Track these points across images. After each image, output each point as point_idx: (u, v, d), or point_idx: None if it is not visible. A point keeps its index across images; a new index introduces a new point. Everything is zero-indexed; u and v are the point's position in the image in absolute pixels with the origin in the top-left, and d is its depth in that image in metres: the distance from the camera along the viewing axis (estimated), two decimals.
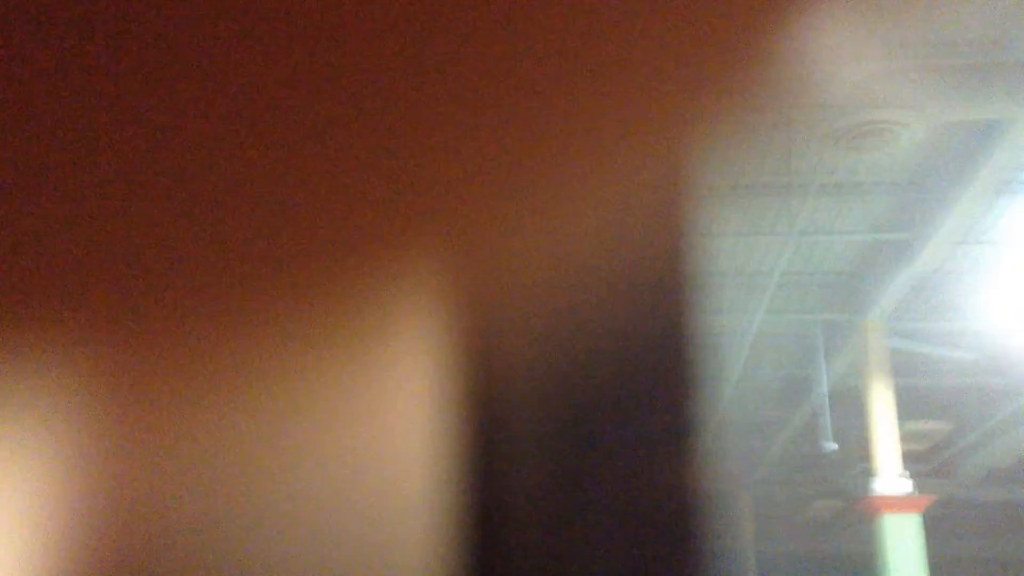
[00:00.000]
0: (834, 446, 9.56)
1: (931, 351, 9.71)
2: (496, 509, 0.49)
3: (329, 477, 0.51)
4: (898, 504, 8.49)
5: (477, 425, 0.50)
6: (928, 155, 6.78)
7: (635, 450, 0.52)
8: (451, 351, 0.50)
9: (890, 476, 8.61)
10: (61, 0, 0.44)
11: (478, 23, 0.46)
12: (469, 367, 0.51)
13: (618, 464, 0.51)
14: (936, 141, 6.67)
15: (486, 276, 0.51)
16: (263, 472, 0.52)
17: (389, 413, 0.50)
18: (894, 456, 8.74)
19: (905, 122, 6.03)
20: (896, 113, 6.03)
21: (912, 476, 8.76)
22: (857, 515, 9.36)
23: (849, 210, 7.54)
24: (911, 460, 9.96)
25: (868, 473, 8.95)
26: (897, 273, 8.09)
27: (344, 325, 0.50)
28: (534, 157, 0.49)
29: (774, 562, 18.07)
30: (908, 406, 9.93)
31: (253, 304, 0.50)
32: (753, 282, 8.52)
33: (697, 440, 0.49)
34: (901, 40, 5.94)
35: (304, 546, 0.50)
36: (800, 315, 9.17)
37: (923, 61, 5.97)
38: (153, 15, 0.45)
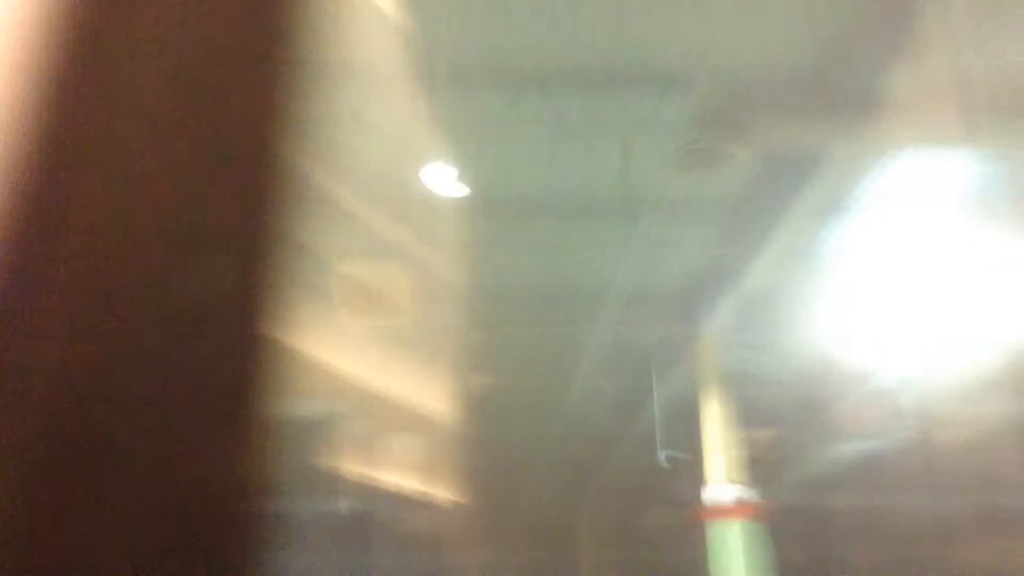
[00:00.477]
0: (669, 456, 9.84)
1: (762, 363, 10.12)
2: None
3: None
4: (725, 511, 8.80)
5: None
6: (759, 178, 7.10)
7: None
8: None
9: (719, 484, 8.93)
10: None
11: None
12: None
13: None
14: (766, 166, 6.99)
15: None
16: None
17: None
18: (724, 465, 9.07)
19: (733, 152, 6.31)
20: (726, 143, 6.31)
21: (742, 484, 9.07)
22: (688, 523, 9.66)
23: (685, 228, 7.80)
24: (742, 469, 10.35)
25: (700, 482, 9.23)
26: (730, 289, 8.41)
27: None
28: None
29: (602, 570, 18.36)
30: (740, 416, 10.32)
31: None
32: (592, 298, 8.71)
33: None
34: (736, 75, 6.21)
35: None
36: (637, 329, 9.41)
37: (753, 97, 6.27)
38: None
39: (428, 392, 11.11)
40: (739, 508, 8.79)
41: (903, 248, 7.46)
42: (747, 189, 7.22)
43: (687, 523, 11.71)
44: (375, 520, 15.04)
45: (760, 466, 12.67)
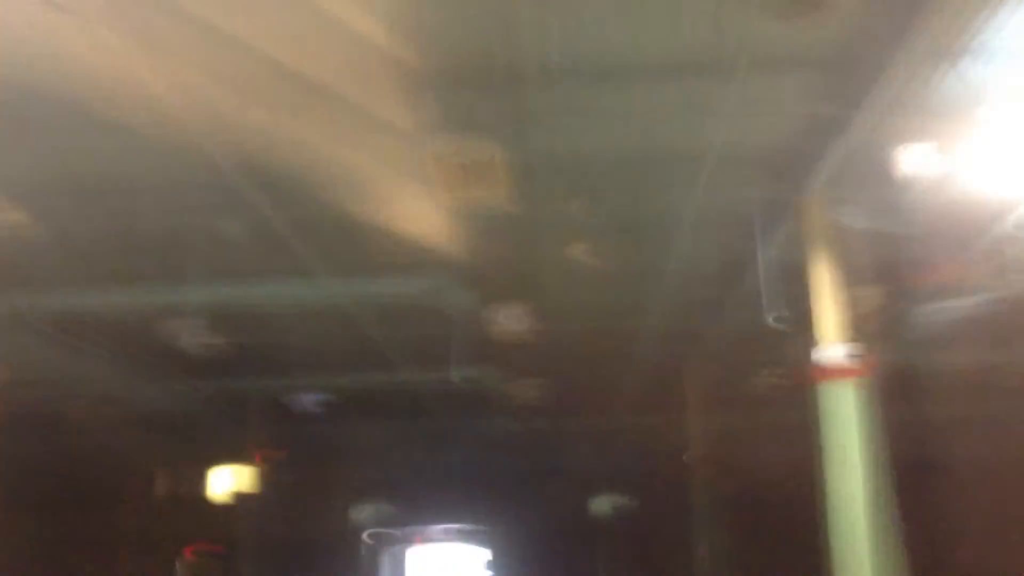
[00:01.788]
0: (776, 318, 9.73)
1: (870, 220, 9.82)
2: None
3: None
4: (835, 372, 8.71)
5: None
6: (859, 25, 6.69)
7: None
8: None
9: (828, 345, 8.82)
10: None
11: None
12: None
13: None
14: (869, 8, 6.58)
15: None
16: None
17: None
18: (832, 325, 8.93)
19: None
20: None
21: (852, 344, 8.94)
22: (796, 385, 9.62)
23: (782, 86, 7.48)
24: (851, 328, 10.18)
25: (809, 343, 9.15)
26: (834, 147, 8.10)
27: None
28: None
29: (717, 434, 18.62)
30: (849, 275, 10.09)
31: None
32: (689, 162, 8.50)
33: None
34: None
35: None
36: (738, 192, 9.21)
37: None
38: None
39: (527, 264, 11.20)
40: (849, 368, 8.70)
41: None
42: (853, 35, 6.82)
43: (796, 385, 11.69)
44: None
45: (870, 325, 12.47)
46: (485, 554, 25.59)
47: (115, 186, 8.79)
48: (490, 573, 24.77)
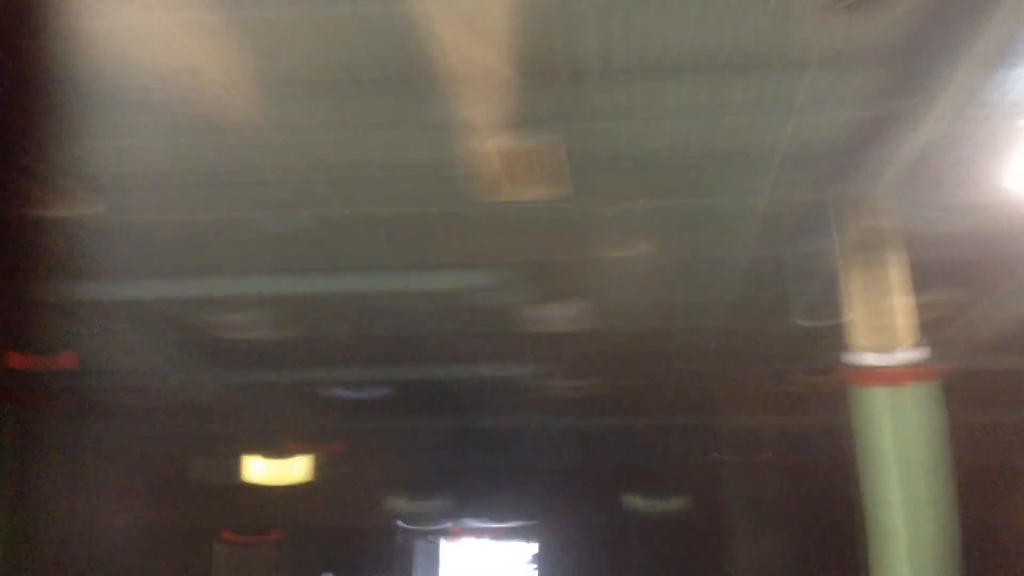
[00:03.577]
0: (838, 320, 9.61)
1: (938, 223, 9.66)
2: None
3: None
4: (895, 375, 8.59)
5: None
6: (928, 20, 6.60)
7: None
8: None
9: (886, 348, 8.68)
10: None
11: None
12: None
13: None
14: (939, 5, 6.48)
15: None
16: None
17: None
18: (905, 327, 8.78)
19: None
20: None
21: (923, 347, 8.80)
22: (848, 387, 9.50)
23: (849, 82, 7.39)
24: (925, 331, 10.02)
25: (878, 346, 9.00)
26: (902, 145, 7.98)
27: None
28: None
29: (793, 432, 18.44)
30: (911, 277, 9.93)
31: None
32: (750, 161, 8.45)
33: None
34: None
35: None
36: (799, 192, 9.12)
37: None
38: None
39: (581, 261, 11.22)
40: (911, 371, 8.58)
41: None
42: (922, 32, 6.72)
43: (849, 387, 11.50)
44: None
45: (931, 328, 12.25)
46: (527, 549, 25.62)
47: (183, 180, 9.02)
48: (534, 567, 24.81)
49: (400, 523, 22.32)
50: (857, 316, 9.61)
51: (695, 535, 21.50)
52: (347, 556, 21.88)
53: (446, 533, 27.09)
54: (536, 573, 24.89)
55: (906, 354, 8.66)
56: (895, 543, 8.11)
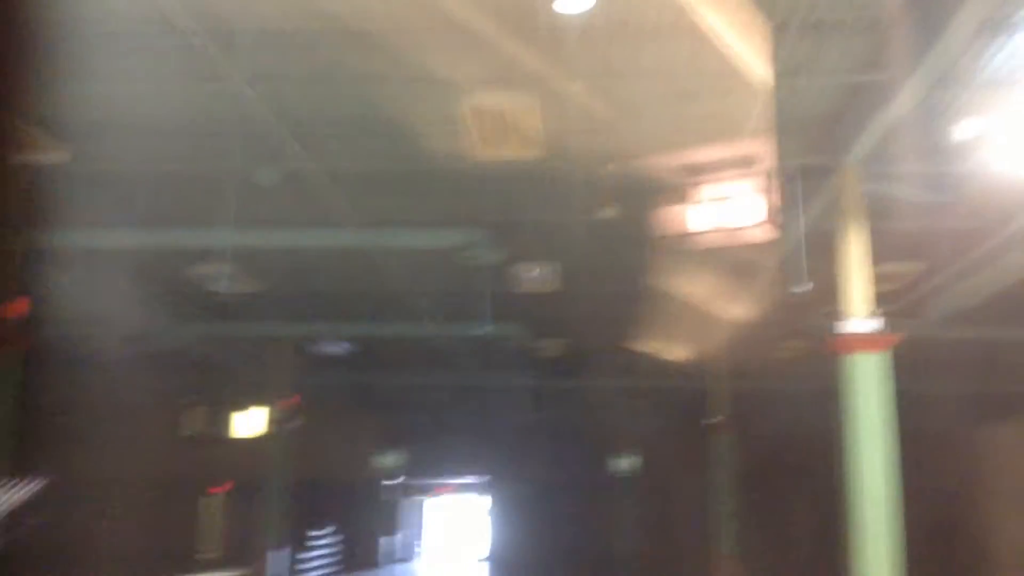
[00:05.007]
0: (807, 287, 9.72)
1: (905, 194, 9.75)
2: None
3: None
4: (864, 343, 8.74)
5: None
6: None
7: None
8: None
9: (858, 316, 8.83)
10: None
11: None
12: None
13: None
14: None
15: None
16: None
17: None
18: (863, 297, 8.93)
19: None
20: None
21: (881, 316, 8.96)
22: (825, 354, 9.64)
23: (828, 51, 7.40)
24: (882, 301, 10.17)
25: (837, 314, 9.16)
26: (875, 116, 8.02)
27: None
28: None
29: (748, 398, 18.74)
30: (881, 249, 10.05)
31: None
32: (727, 126, 8.45)
33: None
34: None
35: None
36: (778, 159, 9.14)
37: None
38: None
39: (557, 223, 11.21)
40: (875, 340, 8.73)
41: None
42: (905, 4, 6.73)
43: (819, 354, 11.70)
44: None
45: (898, 299, 12.43)
46: (484, 503, 26.03)
47: (156, 129, 8.86)
48: (489, 520, 25.22)
49: (385, 481, 22.54)
50: (826, 284, 9.73)
51: (646, 493, 21.88)
52: (328, 510, 22.02)
53: (428, 489, 27.52)
54: (489, 526, 25.32)
55: (867, 323, 8.80)
56: (874, 502, 8.35)
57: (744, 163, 8.67)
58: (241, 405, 22.15)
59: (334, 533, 21.21)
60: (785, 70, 7.53)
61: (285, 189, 10.07)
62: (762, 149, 8.40)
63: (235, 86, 7.74)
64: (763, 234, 7.99)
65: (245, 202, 10.20)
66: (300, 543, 19.61)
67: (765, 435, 20.47)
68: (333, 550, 21.16)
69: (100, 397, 21.96)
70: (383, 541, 23.50)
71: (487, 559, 24.75)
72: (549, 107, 8.10)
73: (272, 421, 18.32)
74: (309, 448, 20.50)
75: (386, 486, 22.93)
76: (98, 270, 12.69)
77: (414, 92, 8.15)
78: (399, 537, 27.45)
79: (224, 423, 22.06)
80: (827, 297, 9.94)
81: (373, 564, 22.87)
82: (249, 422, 20.77)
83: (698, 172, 8.63)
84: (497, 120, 8.25)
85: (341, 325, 15.88)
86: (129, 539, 20.71)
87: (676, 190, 8.83)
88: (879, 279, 10.34)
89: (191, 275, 11.77)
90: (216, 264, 10.62)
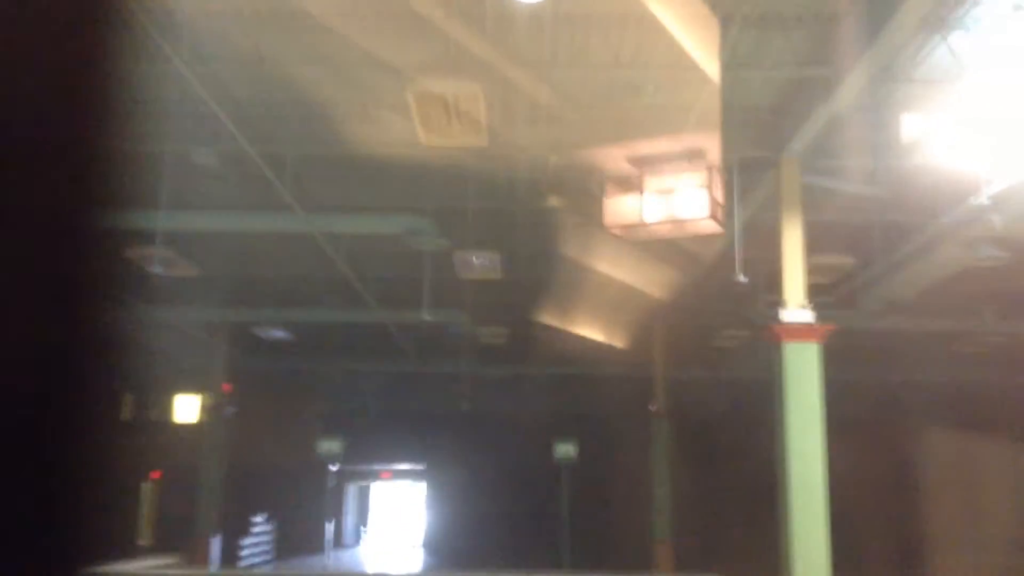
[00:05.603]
0: (743, 279, 9.86)
1: (843, 188, 9.94)
2: None
3: None
4: (799, 332, 8.92)
5: None
6: None
7: None
8: None
9: (794, 307, 9.00)
10: None
11: None
12: None
13: None
14: None
15: None
16: None
17: None
18: (799, 288, 9.10)
19: None
20: None
21: (816, 307, 9.14)
22: (762, 343, 9.81)
23: (772, 44, 7.50)
24: (818, 293, 10.37)
25: (775, 304, 9.33)
26: (817, 109, 8.16)
27: None
28: None
29: (685, 386, 18.99)
30: (818, 241, 10.24)
31: None
32: (672, 115, 8.51)
33: None
34: None
35: None
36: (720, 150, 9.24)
37: None
38: None
39: (502, 211, 11.19)
40: (809, 330, 8.91)
41: (1013, 70, 7.05)
42: (842, 0, 6.85)
43: (760, 342, 11.90)
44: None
45: (835, 290, 12.69)
46: (421, 490, 26.19)
47: (92, 108, 8.61)
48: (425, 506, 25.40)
49: (332, 466, 22.37)
50: (765, 275, 9.89)
51: (584, 480, 22.09)
52: (272, 494, 21.81)
53: (373, 476, 27.47)
54: (424, 512, 25.46)
55: (805, 314, 8.98)
56: (811, 484, 8.55)
57: (688, 155, 8.74)
58: (178, 391, 21.84)
59: (277, 518, 21.00)
60: (730, 63, 7.61)
61: (224, 172, 9.89)
62: (706, 141, 8.48)
63: (175, 67, 7.57)
64: (705, 226, 8.07)
65: (183, 184, 9.99)
66: (243, 529, 19.38)
67: (703, 422, 20.79)
68: (276, 535, 20.96)
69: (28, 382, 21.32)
70: (328, 526, 23.36)
71: (424, 545, 24.78)
72: (495, 95, 8.06)
73: (210, 407, 18.05)
74: (252, 434, 20.29)
75: (331, 472, 22.78)
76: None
77: (358, 76, 8.05)
78: (345, 522, 27.33)
79: (161, 409, 21.72)
80: (767, 287, 10.12)
81: (318, 549, 22.71)
82: (187, 408, 20.48)
83: (643, 163, 8.67)
84: (442, 107, 8.18)
85: (280, 310, 15.68)
86: (67, 523, 20.27)
87: (621, 181, 8.87)
88: (816, 271, 10.55)
89: (127, 257, 11.48)
90: (151, 246, 10.37)
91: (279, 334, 16.33)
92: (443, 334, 16.24)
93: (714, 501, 22.06)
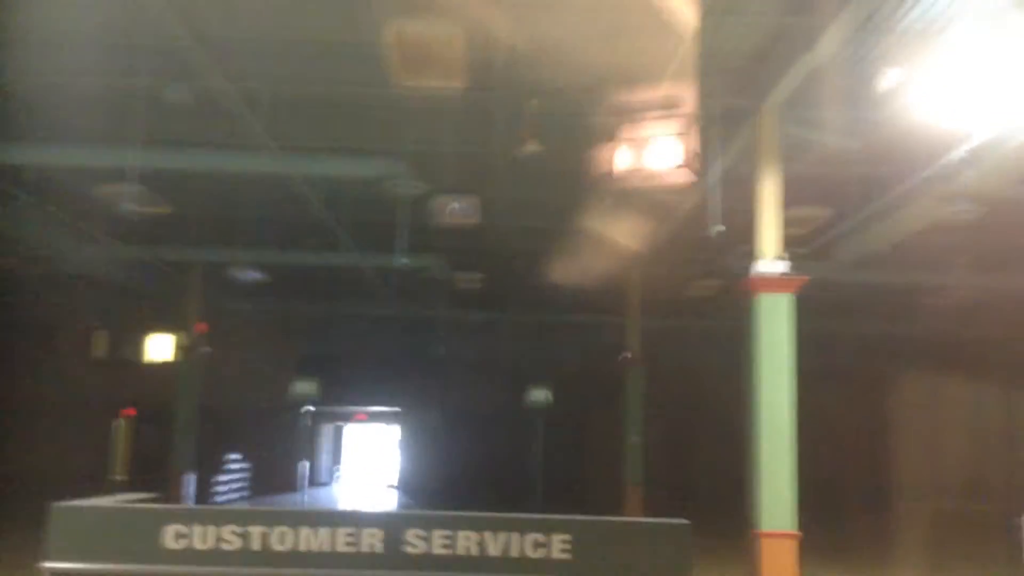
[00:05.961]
0: (721, 228, 9.88)
1: (822, 139, 9.93)
2: None
3: None
4: (773, 284, 8.98)
5: None
6: None
7: None
8: None
9: (769, 258, 9.05)
10: None
11: None
12: None
13: None
14: None
15: None
16: None
17: None
18: (774, 239, 9.14)
19: None
20: None
21: (791, 259, 9.18)
22: (736, 294, 9.87)
23: None
24: (793, 244, 10.41)
25: (749, 255, 9.37)
26: (797, 59, 8.11)
27: None
28: None
29: (660, 335, 19.14)
30: (794, 192, 10.25)
31: None
32: (649, 64, 8.42)
33: None
34: None
35: None
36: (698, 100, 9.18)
37: None
38: None
39: (478, 156, 11.12)
40: (783, 282, 8.97)
41: (995, 25, 7.02)
42: None
43: (732, 294, 11.96)
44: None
45: (810, 242, 12.76)
46: (395, 432, 26.46)
47: (65, 41, 8.44)
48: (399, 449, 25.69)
49: (306, 407, 22.49)
50: (741, 226, 9.90)
51: (558, 426, 22.34)
52: (254, 436, 21.96)
53: (347, 417, 27.71)
54: (402, 453, 25.73)
55: (780, 266, 9.02)
56: (780, 433, 8.69)
57: (667, 103, 8.66)
58: (153, 329, 21.78)
59: (252, 458, 21.16)
60: (711, 9, 7.53)
61: (199, 109, 9.73)
62: (685, 89, 8.41)
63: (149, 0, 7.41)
64: (683, 175, 8.04)
65: (158, 121, 9.84)
66: (217, 467, 19.52)
67: (675, 370, 21.01)
68: (250, 474, 21.14)
69: (6, 319, 21.33)
70: (301, 465, 23.57)
71: (397, 486, 25.05)
72: (474, 36, 7.95)
73: (185, 347, 18.03)
74: (227, 374, 20.32)
75: (305, 413, 22.89)
76: (2, 186, 12.17)
77: (336, 14, 7.91)
78: (319, 462, 27.58)
79: (136, 347, 21.68)
80: (742, 238, 10.14)
81: (292, 488, 22.95)
82: (161, 347, 20.46)
83: (621, 110, 8.59)
84: (420, 47, 8.07)
85: (256, 251, 15.59)
86: (41, 459, 20.37)
87: (598, 128, 8.80)
88: (792, 222, 10.58)
89: (100, 194, 11.35)
90: (126, 184, 10.24)
91: (254, 275, 16.25)
92: (420, 279, 16.21)
93: (686, 448, 22.41)
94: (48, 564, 4.84)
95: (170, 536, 4.84)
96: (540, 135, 10.07)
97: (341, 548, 4.86)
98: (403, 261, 12.65)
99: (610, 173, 8.12)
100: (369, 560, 4.87)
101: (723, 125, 9.43)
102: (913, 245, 12.61)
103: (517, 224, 13.91)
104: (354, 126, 10.44)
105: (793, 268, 9.11)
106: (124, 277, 17.29)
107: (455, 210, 11.79)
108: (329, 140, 10.81)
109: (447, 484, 22.04)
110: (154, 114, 9.60)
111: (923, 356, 20.26)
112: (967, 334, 18.89)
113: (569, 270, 16.28)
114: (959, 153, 8.43)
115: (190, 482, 17.36)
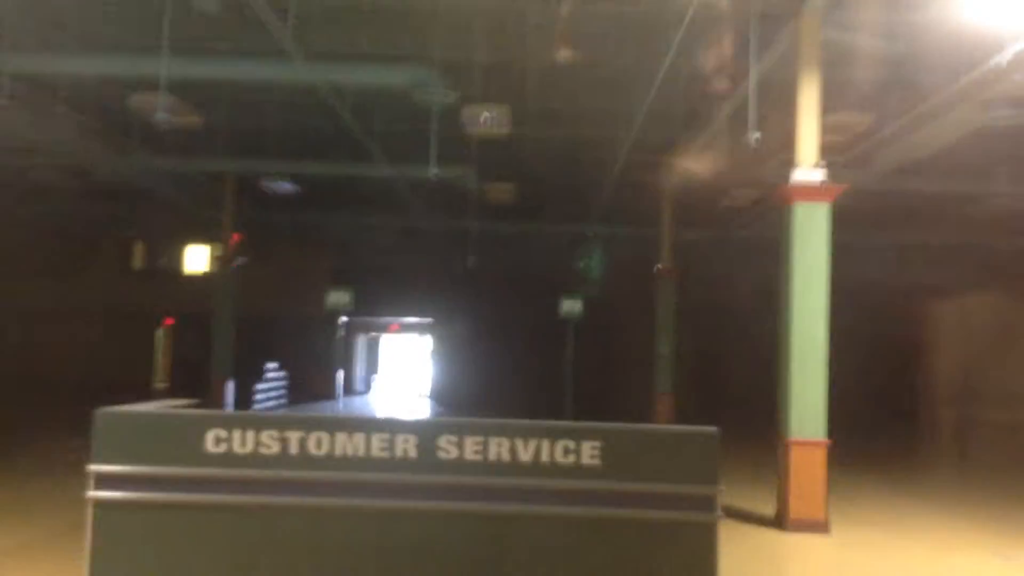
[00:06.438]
0: (758, 135, 9.69)
1: (862, 43, 9.65)
2: None
3: None
4: (811, 192, 8.84)
5: None
6: None
7: None
8: None
9: (807, 166, 8.89)
10: None
11: None
12: None
13: None
14: None
15: None
16: None
17: None
18: (813, 147, 8.96)
19: None
20: None
21: (829, 167, 9.02)
22: (773, 203, 9.73)
23: None
24: (831, 152, 10.20)
25: (787, 164, 9.21)
26: None
27: None
28: None
29: (693, 246, 19.03)
30: (833, 99, 10.01)
31: None
32: None
33: None
34: None
35: None
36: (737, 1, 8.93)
37: None
38: None
39: (512, 64, 10.94)
40: (824, 190, 8.82)
41: None
42: None
43: (769, 202, 11.79)
44: None
45: (849, 150, 12.52)
46: (428, 342, 26.85)
47: None
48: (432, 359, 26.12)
49: (341, 317, 22.84)
50: (778, 134, 9.72)
51: (591, 336, 22.48)
52: (291, 346, 22.41)
53: (383, 327, 28.13)
54: (431, 364, 26.16)
55: (819, 174, 8.87)
56: (815, 341, 8.70)
57: (705, 4, 8.44)
58: (190, 241, 22.03)
59: (289, 367, 21.58)
60: None
61: (227, 18, 9.63)
62: None
63: None
64: (719, 80, 7.87)
65: (187, 30, 9.76)
66: (256, 374, 19.96)
67: (709, 280, 20.96)
68: (288, 382, 21.59)
69: (47, 229, 21.65)
70: (338, 375, 24.04)
71: (431, 395, 25.48)
72: None
73: (220, 257, 18.25)
74: (262, 285, 20.60)
75: (342, 323, 23.24)
76: (37, 98, 12.21)
77: None
78: (354, 371, 28.09)
79: (172, 258, 21.96)
80: (780, 147, 9.96)
81: (329, 396, 23.45)
82: (198, 258, 20.71)
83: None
84: None
85: (287, 162, 15.58)
86: (85, 367, 20.97)
87: (632, 33, 8.60)
88: (830, 130, 10.36)
89: (133, 105, 11.35)
90: (158, 94, 10.21)
91: (287, 186, 16.28)
92: (453, 190, 16.15)
93: (717, 358, 22.51)
94: (95, 467, 5.01)
95: (211, 440, 4.97)
96: (574, 42, 9.87)
97: (376, 453, 4.97)
98: (435, 172, 12.57)
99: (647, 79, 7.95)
100: (403, 464, 4.98)
101: (762, 29, 9.16)
102: (954, 152, 12.32)
103: (552, 134, 13.74)
104: (384, 33, 10.28)
105: (831, 176, 8.95)
106: (160, 189, 17.43)
107: (486, 120, 11.66)
108: (359, 48, 10.66)
109: (479, 393, 22.38)
110: (183, 23, 9.51)
111: (961, 267, 20.01)
112: (1006, 245, 18.59)
113: (603, 181, 16.15)
114: (1004, 56, 8.13)
115: (230, 389, 17.78)
